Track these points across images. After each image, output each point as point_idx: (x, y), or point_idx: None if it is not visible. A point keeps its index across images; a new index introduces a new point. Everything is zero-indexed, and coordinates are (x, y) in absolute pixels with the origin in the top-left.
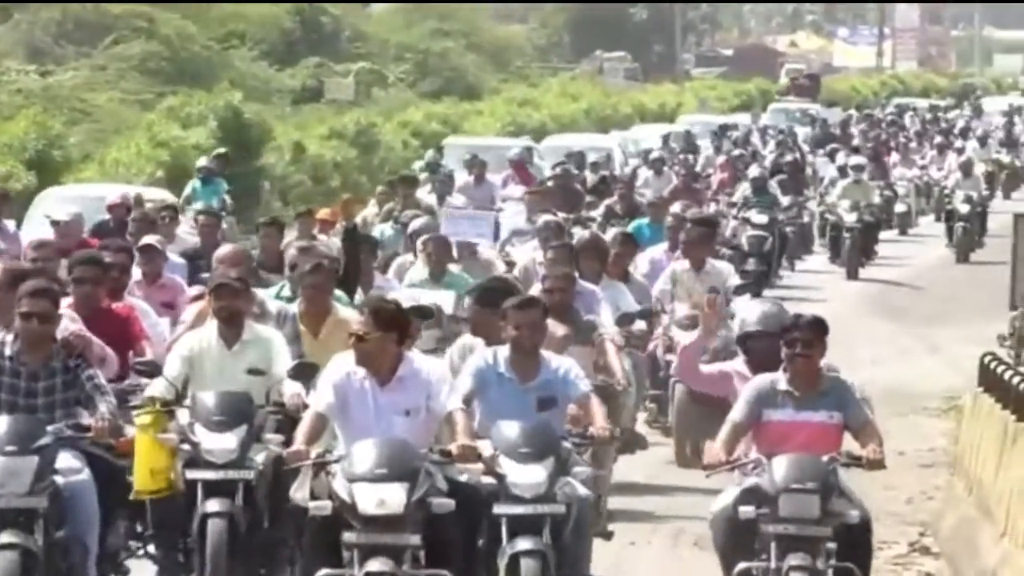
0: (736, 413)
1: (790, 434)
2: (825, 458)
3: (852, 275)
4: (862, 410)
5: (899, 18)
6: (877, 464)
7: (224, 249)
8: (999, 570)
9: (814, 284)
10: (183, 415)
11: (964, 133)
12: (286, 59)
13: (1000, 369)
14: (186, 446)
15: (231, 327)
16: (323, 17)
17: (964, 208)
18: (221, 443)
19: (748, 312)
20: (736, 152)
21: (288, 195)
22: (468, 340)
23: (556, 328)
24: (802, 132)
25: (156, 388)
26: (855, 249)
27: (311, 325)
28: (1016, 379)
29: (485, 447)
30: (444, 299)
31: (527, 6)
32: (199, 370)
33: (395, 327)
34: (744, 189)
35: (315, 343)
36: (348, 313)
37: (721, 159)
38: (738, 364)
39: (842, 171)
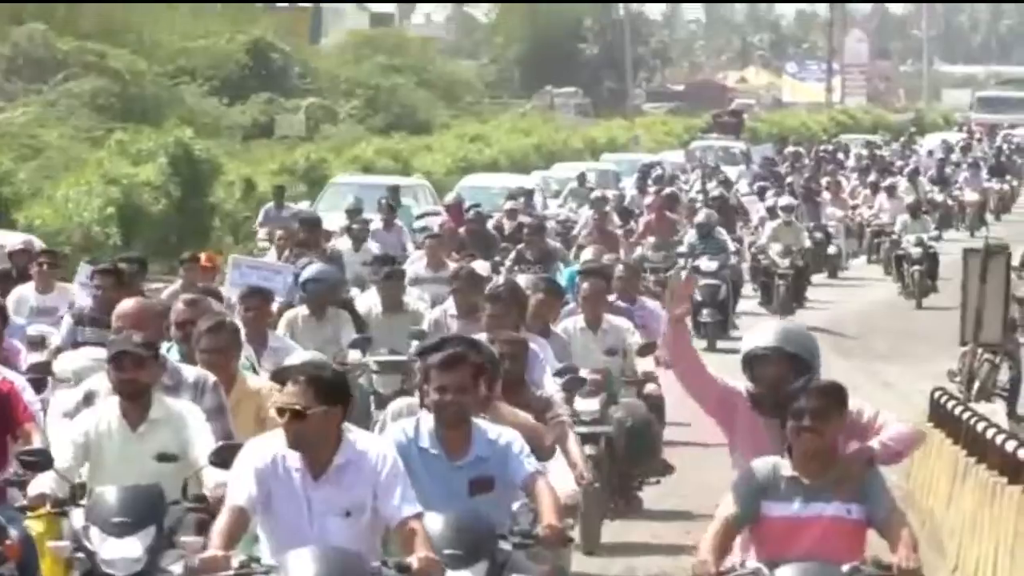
0: (728, 506)
1: (798, 534)
2: (845, 568)
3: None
4: (889, 500)
5: (848, 53)
6: (911, 574)
7: (126, 304)
8: None
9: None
10: (77, 516)
11: (903, 171)
12: (236, 95)
13: (950, 405)
14: (81, 555)
15: (136, 404)
16: (273, 53)
17: (916, 251)
18: (123, 551)
19: (762, 329)
20: (668, 190)
21: (238, 232)
22: (405, 403)
23: (507, 413)
24: (735, 170)
25: (45, 484)
26: (788, 295)
27: None
28: (966, 414)
29: None
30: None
31: (478, 42)
32: (97, 459)
33: (340, 400)
34: (690, 236)
35: None
36: (258, 382)
37: (649, 199)
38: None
39: (771, 211)
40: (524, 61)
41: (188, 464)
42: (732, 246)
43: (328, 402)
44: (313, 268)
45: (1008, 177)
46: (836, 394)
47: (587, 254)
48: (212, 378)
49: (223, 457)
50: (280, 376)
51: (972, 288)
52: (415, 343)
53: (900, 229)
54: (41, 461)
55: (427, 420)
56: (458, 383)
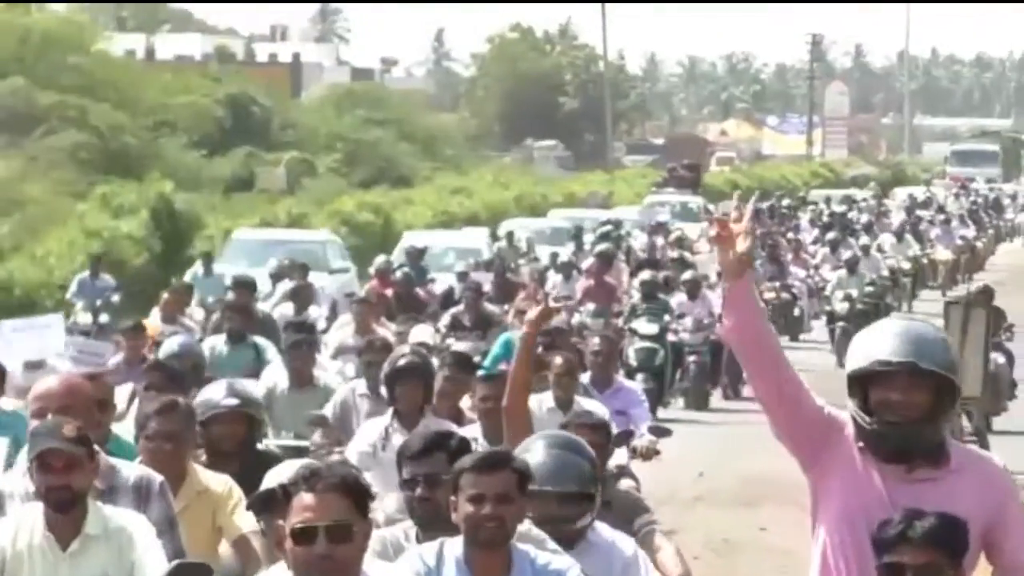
0: None
1: None
2: None
3: (699, 405)
4: None
5: (829, 106)
6: None
7: (50, 383)
8: None
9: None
10: None
11: (868, 228)
12: (216, 148)
13: None
14: None
15: (65, 516)
16: (253, 107)
17: (841, 307)
18: None
19: (882, 331)
20: (599, 249)
21: None
22: (398, 532)
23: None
24: (696, 228)
25: None
26: (732, 365)
27: None
28: None
29: None
30: None
31: (458, 95)
32: None
33: (366, 510)
34: (633, 296)
35: None
36: (213, 479)
37: (588, 261)
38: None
39: (706, 278)
40: (504, 114)
41: None
42: (676, 307)
43: (366, 515)
44: (173, 342)
45: (979, 232)
46: (955, 532)
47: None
48: (158, 479)
49: None
50: (267, 488)
51: (953, 341)
52: (316, 432)
53: (833, 286)
54: None
55: (453, 546)
56: (499, 490)
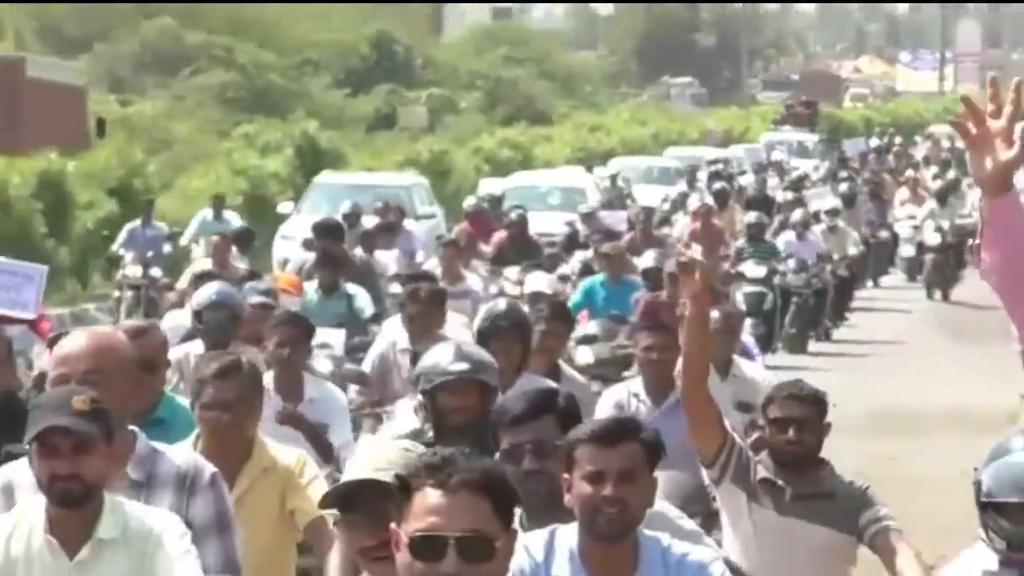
0: None
1: None
2: None
3: (797, 349)
4: None
5: (960, 42)
6: None
7: (75, 341)
8: None
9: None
10: None
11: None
12: (359, 86)
13: None
14: None
15: (72, 514)
16: (395, 45)
17: (933, 239)
18: None
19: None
20: (716, 186)
21: None
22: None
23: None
24: (810, 164)
25: None
26: (831, 304)
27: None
28: None
29: None
30: None
31: (596, 34)
32: None
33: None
34: (740, 239)
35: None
36: (284, 454)
37: (694, 203)
38: None
39: (816, 216)
40: (641, 52)
41: None
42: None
43: (510, 524)
44: (210, 289)
45: None
46: None
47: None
48: (208, 469)
49: None
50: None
51: None
52: (351, 388)
53: (924, 216)
54: None
55: (567, 534)
56: (623, 467)
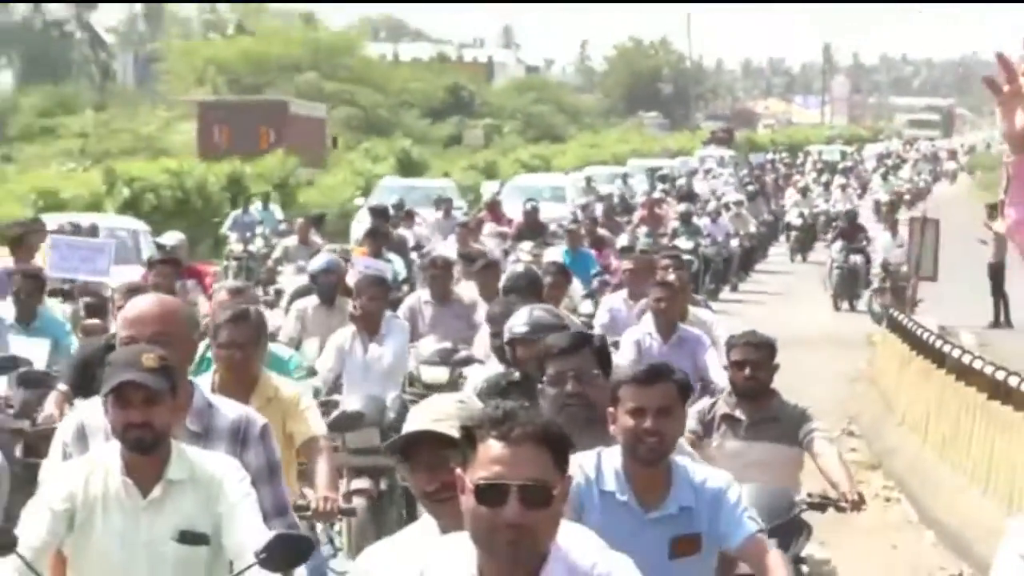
0: None
1: None
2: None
3: (714, 298)
4: None
5: (835, 90)
6: None
7: (144, 303)
8: (897, 447)
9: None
10: None
11: (848, 172)
12: (438, 117)
13: (900, 317)
14: None
15: (145, 458)
16: (462, 90)
17: (797, 221)
18: None
19: None
20: (660, 188)
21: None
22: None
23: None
24: (727, 171)
25: None
26: (735, 267)
27: None
28: (909, 324)
29: None
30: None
31: (594, 83)
32: (85, 536)
33: (566, 466)
34: (674, 223)
35: None
36: (284, 386)
37: (642, 198)
38: None
39: (726, 206)
40: (624, 96)
41: (222, 553)
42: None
43: (566, 471)
44: (322, 259)
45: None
46: None
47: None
48: (259, 421)
49: (278, 556)
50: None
51: (914, 244)
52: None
53: (791, 204)
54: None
55: (611, 456)
56: (661, 404)
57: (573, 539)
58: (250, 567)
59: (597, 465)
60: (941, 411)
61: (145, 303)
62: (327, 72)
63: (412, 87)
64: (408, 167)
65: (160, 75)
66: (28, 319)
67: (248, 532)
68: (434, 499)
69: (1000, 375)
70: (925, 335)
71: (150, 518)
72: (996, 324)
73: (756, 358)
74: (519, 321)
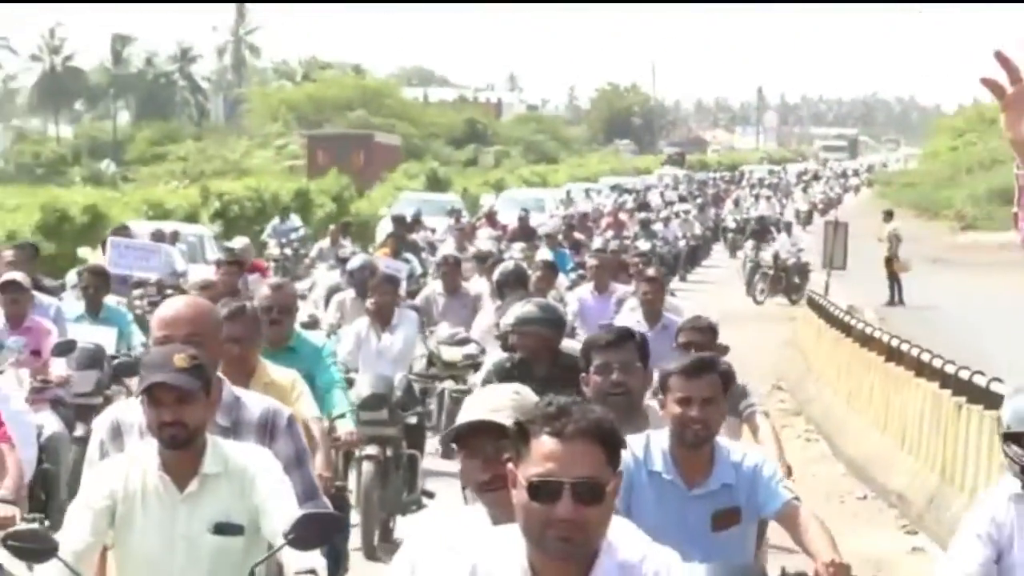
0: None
1: None
2: None
3: (681, 278)
4: None
5: (766, 123)
6: None
7: (177, 304)
8: (815, 398)
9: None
10: None
11: (772, 186)
12: (458, 144)
13: (816, 298)
14: None
15: (183, 453)
16: (478, 124)
17: (732, 224)
18: None
19: None
20: (622, 200)
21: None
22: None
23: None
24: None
25: None
26: (683, 263)
27: None
28: (823, 303)
29: None
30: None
31: (581, 116)
32: (126, 531)
33: (618, 462)
34: (635, 228)
35: None
36: (279, 373)
37: (609, 207)
38: None
39: (677, 214)
40: (604, 128)
41: (259, 540)
42: (662, 235)
43: (617, 468)
44: (358, 259)
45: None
46: None
47: (598, 243)
48: (285, 412)
49: (306, 534)
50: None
51: (828, 242)
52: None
53: (726, 213)
54: (37, 548)
55: (659, 438)
56: (705, 394)
57: (621, 533)
58: (280, 548)
59: (646, 446)
60: (849, 370)
61: (179, 305)
62: (372, 110)
63: (438, 121)
64: (436, 184)
65: (244, 113)
66: (96, 311)
67: (285, 518)
68: (487, 489)
69: (895, 342)
70: (836, 311)
71: (187, 512)
72: (891, 303)
73: (701, 340)
74: (513, 314)
